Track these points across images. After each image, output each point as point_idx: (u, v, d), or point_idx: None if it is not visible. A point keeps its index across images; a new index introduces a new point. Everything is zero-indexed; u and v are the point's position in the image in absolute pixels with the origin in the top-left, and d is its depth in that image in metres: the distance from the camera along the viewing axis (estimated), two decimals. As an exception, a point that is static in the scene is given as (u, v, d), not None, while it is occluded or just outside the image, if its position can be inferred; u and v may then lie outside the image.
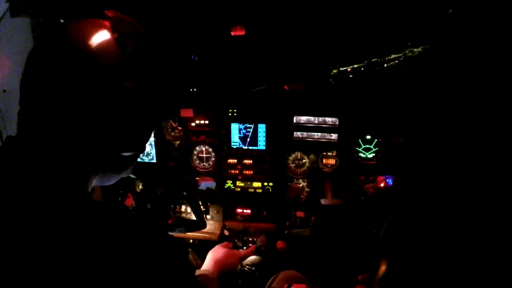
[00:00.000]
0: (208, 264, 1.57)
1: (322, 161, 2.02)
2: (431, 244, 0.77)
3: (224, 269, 1.57)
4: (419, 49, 1.63)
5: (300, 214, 2.02)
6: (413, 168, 0.88)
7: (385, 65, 1.72)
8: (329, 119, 1.94)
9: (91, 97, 0.67)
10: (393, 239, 0.85)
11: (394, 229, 0.86)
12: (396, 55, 1.69)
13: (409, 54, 1.65)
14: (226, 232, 2.15)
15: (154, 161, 2.14)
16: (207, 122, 2.06)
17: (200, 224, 1.80)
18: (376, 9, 1.67)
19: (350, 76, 1.78)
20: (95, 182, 0.78)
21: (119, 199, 1.92)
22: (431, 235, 0.78)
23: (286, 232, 1.93)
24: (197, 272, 1.47)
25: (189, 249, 1.94)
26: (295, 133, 1.98)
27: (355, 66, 1.78)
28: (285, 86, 1.92)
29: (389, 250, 0.86)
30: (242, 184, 2.12)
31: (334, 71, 1.86)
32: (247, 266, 1.96)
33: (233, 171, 2.10)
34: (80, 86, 0.65)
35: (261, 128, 2.00)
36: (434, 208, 0.79)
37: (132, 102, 0.71)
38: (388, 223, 0.88)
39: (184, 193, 1.82)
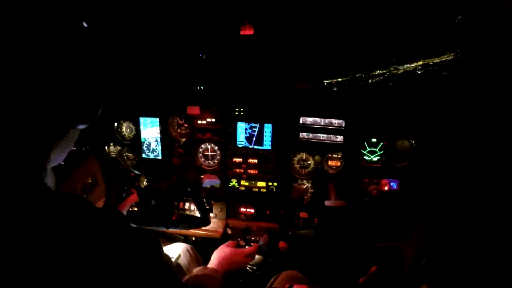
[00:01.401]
0: (213, 262, 1.58)
1: (327, 163, 2.01)
2: (474, 274, 0.76)
3: (231, 268, 1.57)
4: (404, 67, 1.63)
5: (303, 214, 2.03)
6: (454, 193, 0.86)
7: (370, 80, 1.73)
8: (335, 121, 1.94)
9: (51, 73, 0.67)
10: (435, 267, 0.84)
11: (438, 257, 0.84)
12: (380, 71, 1.70)
13: (394, 71, 1.66)
14: (229, 231, 2.16)
15: (159, 157, 2.16)
16: (213, 120, 2.06)
17: (203, 220, 1.80)
18: (364, 24, 1.67)
19: (335, 89, 1.79)
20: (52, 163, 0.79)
21: (124, 195, 1.93)
22: (475, 265, 0.76)
23: (290, 233, 1.94)
24: (200, 270, 1.47)
25: (191, 246, 1.95)
26: (301, 133, 1.98)
27: (339, 79, 1.80)
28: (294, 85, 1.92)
29: (431, 277, 0.84)
30: (246, 183, 2.12)
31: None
32: (248, 265, 1.97)
33: (238, 170, 2.11)
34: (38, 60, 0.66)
35: (267, 127, 2.00)
36: (478, 236, 0.77)
37: (86, 75, 0.73)
38: (432, 251, 0.86)
39: (188, 189, 1.82)
